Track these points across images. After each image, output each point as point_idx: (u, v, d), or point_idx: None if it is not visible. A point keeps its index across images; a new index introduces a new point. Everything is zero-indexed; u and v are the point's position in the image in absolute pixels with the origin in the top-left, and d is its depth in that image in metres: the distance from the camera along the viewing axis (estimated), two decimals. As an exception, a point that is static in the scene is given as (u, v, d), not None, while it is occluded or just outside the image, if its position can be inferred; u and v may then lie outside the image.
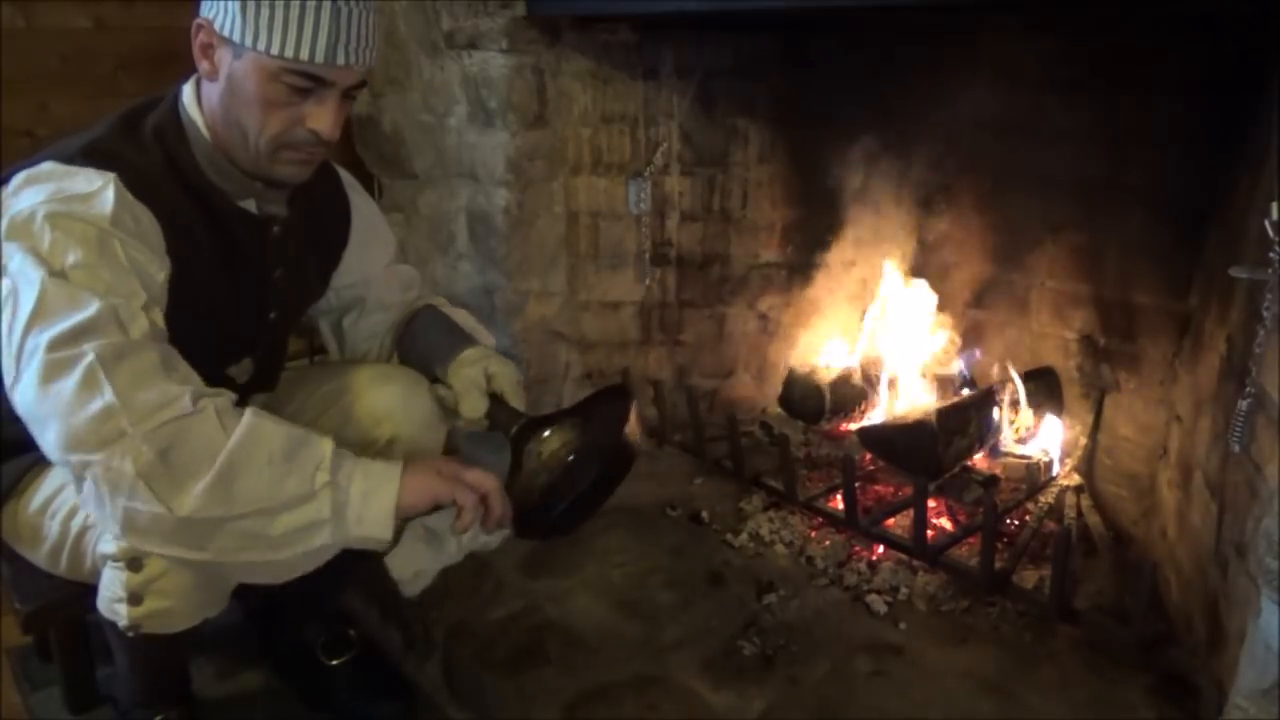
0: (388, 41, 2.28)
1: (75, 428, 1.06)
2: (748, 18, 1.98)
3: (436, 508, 1.21)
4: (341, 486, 1.13)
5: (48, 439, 1.09)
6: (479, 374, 1.42)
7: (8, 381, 1.13)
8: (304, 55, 1.17)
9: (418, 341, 1.54)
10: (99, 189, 1.17)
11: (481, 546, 1.27)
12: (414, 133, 2.31)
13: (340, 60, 1.19)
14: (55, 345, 1.07)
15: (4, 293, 1.13)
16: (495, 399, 1.42)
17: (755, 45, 2.19)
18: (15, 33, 2.05)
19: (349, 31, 1.19)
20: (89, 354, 1.07)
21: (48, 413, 1.08)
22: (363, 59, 1.22)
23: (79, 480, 1.10)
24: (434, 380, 1.48)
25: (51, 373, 1.07)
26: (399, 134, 2.35)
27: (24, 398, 1.10)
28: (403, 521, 1.19)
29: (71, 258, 1.11)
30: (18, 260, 1.12)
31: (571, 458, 1.34)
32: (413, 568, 1.25)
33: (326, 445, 1.14)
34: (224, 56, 1.21)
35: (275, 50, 1.16)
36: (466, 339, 1.50)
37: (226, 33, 1.19)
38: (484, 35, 2.03)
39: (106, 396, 1.06)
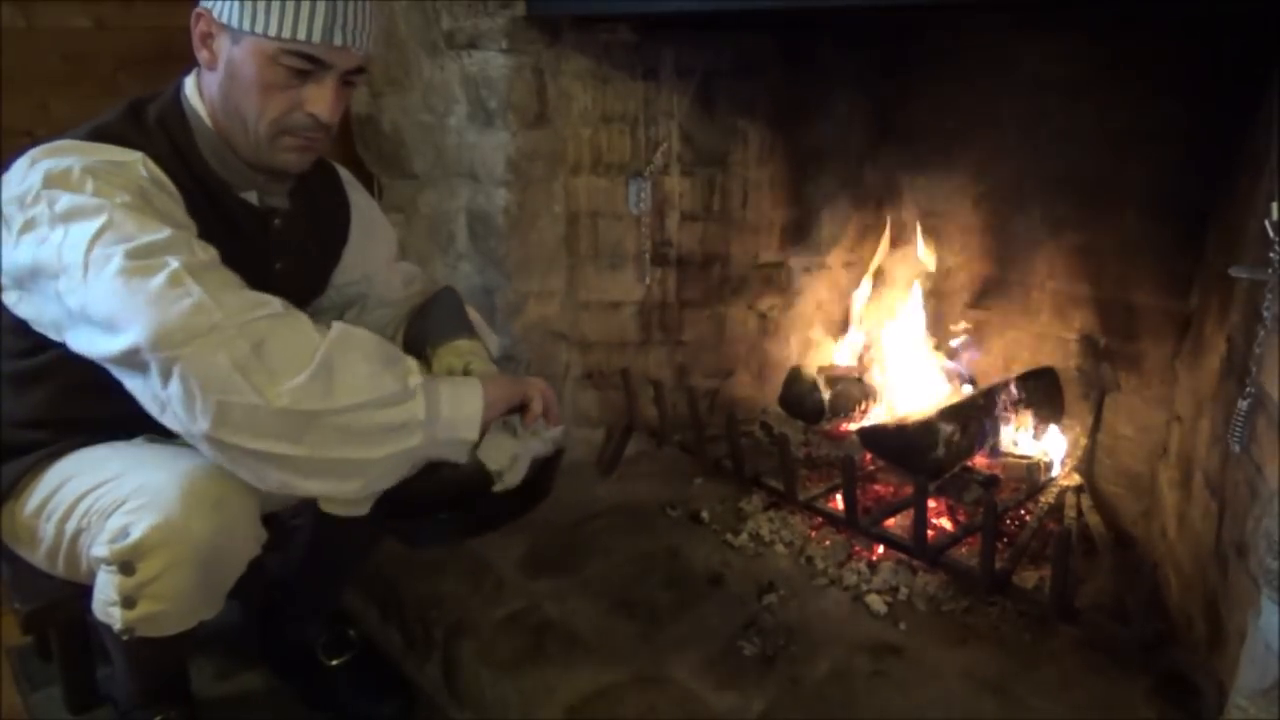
0: (388, 41, 2.28)
1: (164, 321, 1.06)
2: (748, 18, 1.98)
3: (510, 412, 1.33)
4: (432, 389, 1.17)
5: (130, 336, 1.07)
6: (459, 366, 1.43)
7: (67, 287, 1.11)
8: (301, 35, 1.19)
9: (427, 316, 1.55)
10: (130, 161, 1.20)
11: (553, 440, 1.44)
12: (414, 133, 2.31)
13: (338, 40, 1.21)
14: (133, 254, 1.08)
15: (41, 239, 1.13)
16: None
17: (755, 45, 2.19)
18: (15, 33, 2.04)
19: (345, 13, 1.21)
20: (172, 262, 1.09)
21: (132, 310, 1.07)
22: (359, 41, 1.24)
23: (164, 379, 1.08)
24: (420, 358, 1.49)
25: (133, 275, 1.08)
26: (399, 134, 2.35)
27: (99, 296, 1.09)
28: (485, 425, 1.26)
29: (119, 199, 1.13)
30: (65, 201, 1.12)
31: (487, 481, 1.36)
32: (508, 454, 1.34)
33: (411, 359, 1.20)
34: (223, 44, 1.23)
35: (273, 32, 1.18)
36: (468, 330, 1.51)
37: (225, 19, 1.20)
38: (484, 35, 2.03)
39: (195, 294, 1.08)
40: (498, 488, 1.32)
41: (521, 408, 1.35)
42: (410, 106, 2.29)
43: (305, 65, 1.22)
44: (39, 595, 1.41)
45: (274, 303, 1.13)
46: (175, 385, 1.07)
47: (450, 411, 1.18)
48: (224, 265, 1.16)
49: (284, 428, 1.09)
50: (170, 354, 1.06)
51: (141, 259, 1.09)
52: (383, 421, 1.12)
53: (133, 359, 1.09)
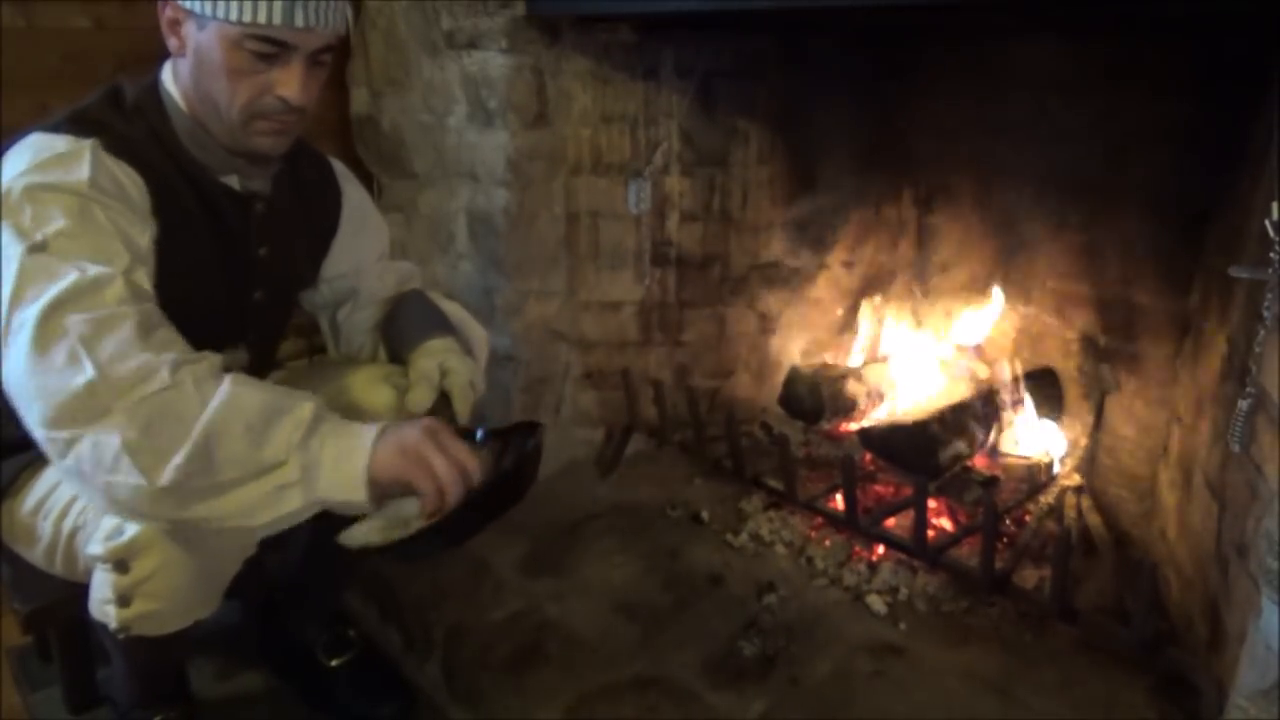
0: (387, 42, 2.28)
1: (62, 404, 1.07)
2: (748, 18, 1.98)
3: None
4: (312, 450, 1.12)
5: (34, 415, 1.09)
6: (434, 368, 1.41)
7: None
8: (262, 19, 1.18)
9: (395, 324, 1.54)
10: (76, 151, 1.19)
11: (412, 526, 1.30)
12: (414, 133, 2.31)
13: (299, 22, 1.20)
14: (38, 323, 1.08)
15: None
16: (443, 397, 1.41)
17: (755, 45, 2.19)
18: (15, 33, 2.04)
19: None
20: (69, 331, 1.08)
21: (34, 389, 1.09)
22: (324, 20, 1.23)
23: (61, 457, 1.09)
24: (403, 364, 1.48)
25: (36, 349, 1.08)
26: (399, 134, 2.35)
27: (11, 374, 1.11)
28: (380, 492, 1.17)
29: (52, 227, 1.13)
30: (4, 239, 1.13)
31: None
32: (364, 530, 1.27)
33: (305, 409, 1.13)
34: (189, 30, 1.23)
35: (234, 17, 1.18)
36: (438, 328, 1.49)
37: (189, 6, 1.21)
38: (484, 35, 2.03)
39: (88, 373, 1.07)
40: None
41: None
42: (410, 106, 2.29)
43: (270, 49, 1.21)
44: (39, 595, 1.41)
45: (162, 371, 1.09)
46: (70, 464, 1.09)
47: (330, 474, 1.13)
48: (131, 302, 1.13)
49: (162, 505, 1.10)
50: (70, 434, 1.08)
51: (45, 324, 1.08)
52: (257, 492, 1.11)
53: (39, 434, 1.11)
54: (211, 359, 1.16)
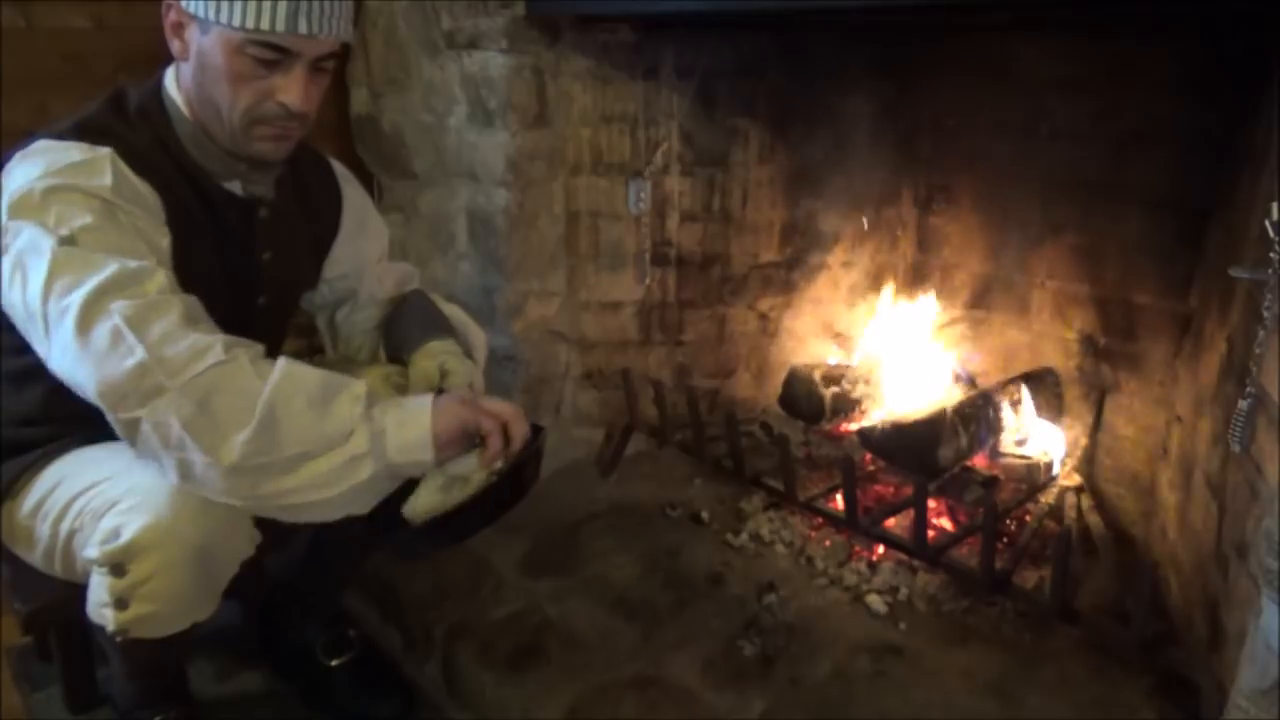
0: (387, 42, 2.27)
1: (114, 387, 1.09)
2: (748, 18, 1.98)
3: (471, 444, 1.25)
4: (376, 419, 1.17)
5: (93, 399, 1.12)
6: (434, 369, 1.43)
7: (43, 351, 1.15)
8: (265, 25, 1.19)
9: (396, 325, 1.56)
10: (96, 160, 1.19)
11: (477, 484, 1.32)
12: (414, 133, 2.31)
13: (302, 29, 1.20)
14: (81, 308, 1.10)
15: (8, 270, 1.15)
16: None
17: (755, 45, 2.19)
18: (15, 33, 2.04)
19: (310, 0, 1.20)
20: (115, 315, 1.09)
21: (86, 375, 1.11)
22: (327, 28, 1.23)
23: (128, 436, 1.13)
24: (403, 365, 1.49)
25: (82, 335, 1.10)
26: (399, 134, 2.35)
27: (61, 363, 1.13)
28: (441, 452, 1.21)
29: (78, 223, 1.13)
30: (26, 235, 1.13)
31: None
32: (423, 498, 1.31)
33: (358, 383, 1.18)
34: (193, 34, 1.24)
35: (237, 22, 1.18)
36: (439, 330, 1.51)
37: (193, 10, 1.21)
38: (484, 35, 2.03)
39: (138, 354, 1.09)
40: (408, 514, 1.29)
41: (483, 439, 1.25)
42: (410, 106, 2.29)
43: (272, 55, 1.21)
44: (39, 595, 1.40)
45: (216, 347, 1.12)
46: (141, 445, 1.13)
47: (396, 438, 1.18)
48: (173, 293, 1.15)
49: (236, 484, 1.13)
50: (128, 417, 1.10)
51: (89, 311, 1.09)
52: (329, 464, 1.14)
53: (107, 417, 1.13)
54: (257, 345, 1.18)
